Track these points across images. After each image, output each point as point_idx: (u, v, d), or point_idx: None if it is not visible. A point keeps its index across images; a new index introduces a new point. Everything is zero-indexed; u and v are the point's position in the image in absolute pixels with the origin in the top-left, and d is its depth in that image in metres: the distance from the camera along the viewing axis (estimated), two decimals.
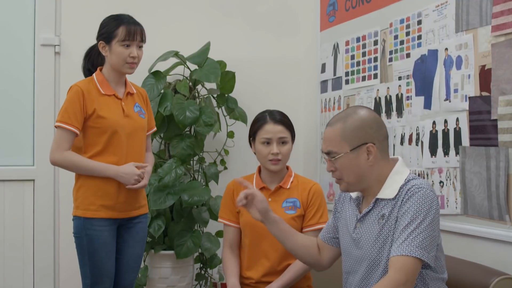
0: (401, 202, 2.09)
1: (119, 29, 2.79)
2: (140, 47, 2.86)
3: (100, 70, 2.89)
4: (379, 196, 2.16)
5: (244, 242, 2.94)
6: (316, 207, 2.89)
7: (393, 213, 2.10)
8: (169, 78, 3.80)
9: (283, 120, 2.93)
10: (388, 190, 2.15)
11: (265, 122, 2.90)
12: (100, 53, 2.89)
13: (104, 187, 2.79)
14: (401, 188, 2.12)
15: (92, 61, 2.96)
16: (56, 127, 2.78)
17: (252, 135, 2.95)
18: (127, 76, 2.94)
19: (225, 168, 3.89)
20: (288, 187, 2.92)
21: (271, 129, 2.88)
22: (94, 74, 2.87)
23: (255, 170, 3.02)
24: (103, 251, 2.79)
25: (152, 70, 3.68)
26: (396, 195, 2.12)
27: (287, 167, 3.00)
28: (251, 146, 2.99)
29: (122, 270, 2.91)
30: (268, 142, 2.87)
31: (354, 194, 2.30)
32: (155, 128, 3.12)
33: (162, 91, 3.62)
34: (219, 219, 3.03)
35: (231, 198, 2.96)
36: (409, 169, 2.26)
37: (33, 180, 3.72)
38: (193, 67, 3.73)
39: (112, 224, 2.83)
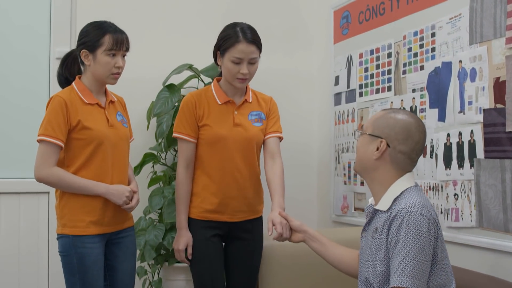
0: (390, 223, 2.07)
1: (105, 37, 2.65)
2: (124, 56, 2.73)
3: (79, 78, 2.75)
4: (377, 206, 2.18)
5: (214, 158, 2.86)
6: (276, 117, 2.99)
7: (384, 228, 2.10)
8: (183, 91, 3.81)
9: (255, 39, 2.82)
10: (384, 202, 2.15)
11: (237, 41, 2.77)
12: (76, 61, 2.77)
13: (91, 202, 2.65)
14: (395, 200, 2.12)
15: (69, 68, 2.82)
16: (39, 141, 2.60)
17: (222, 50, 2.82)
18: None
19: None
20: (250, 101, 2.96)
21: (244, 49, 2.77)
22: (73, 83, 2.72)
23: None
24: (94, 268, 2.64)
25: (167, 83, 3.69)
26: (389, 208, 2.12)
27: None
28: (216, 58, 2.88)
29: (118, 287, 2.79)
30: (238, 62, 2.78)
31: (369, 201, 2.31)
32: (133, 138, 2.98)
33: (176, 104, 3.63)
34: (176, 135, 2.89)
35: (192, 112, 2.87)
36: (416, 182, 2.21)
37: (48, 192, 3.74)
38: (207, 80, 3.74)
39: (102, 240, 2.69)
